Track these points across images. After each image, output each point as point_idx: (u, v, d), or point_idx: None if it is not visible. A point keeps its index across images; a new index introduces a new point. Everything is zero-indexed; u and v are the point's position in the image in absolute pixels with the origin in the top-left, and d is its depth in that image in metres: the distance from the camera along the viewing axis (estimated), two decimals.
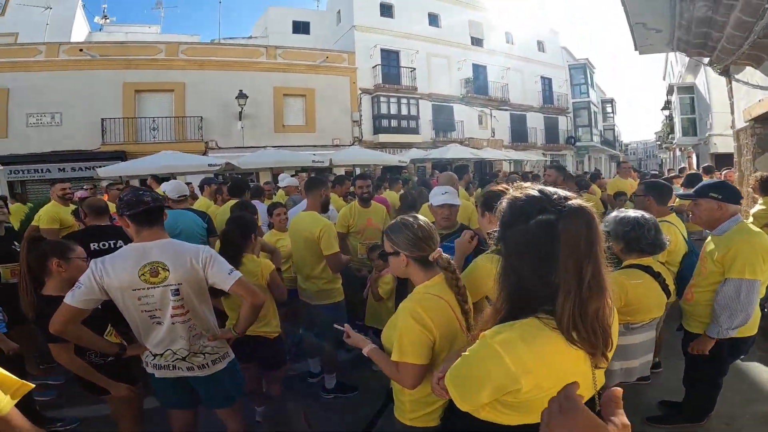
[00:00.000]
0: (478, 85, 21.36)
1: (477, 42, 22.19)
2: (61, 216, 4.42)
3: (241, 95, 14.37)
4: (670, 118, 27.96)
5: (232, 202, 4.39)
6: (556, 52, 26.34)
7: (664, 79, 31.79)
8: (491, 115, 22.18)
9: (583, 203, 0.98)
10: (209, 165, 9.95)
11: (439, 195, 2.73)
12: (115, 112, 14.02)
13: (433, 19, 20.52)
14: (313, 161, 11.28)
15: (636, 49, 6.75)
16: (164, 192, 4.15)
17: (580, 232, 0.93)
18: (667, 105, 27.39)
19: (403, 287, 4.27)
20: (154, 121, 14.32)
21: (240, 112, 14.85)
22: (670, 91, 27.43)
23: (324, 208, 3.49)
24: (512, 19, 23.78)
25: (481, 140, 20.68)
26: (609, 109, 35.63)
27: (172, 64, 14.76)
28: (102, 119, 13.73)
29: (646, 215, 2.26)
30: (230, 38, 20.10)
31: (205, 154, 14.15)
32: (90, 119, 13.67)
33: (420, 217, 1.75)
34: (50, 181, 12.86)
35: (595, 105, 28.65)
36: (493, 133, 22.06)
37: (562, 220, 0.95)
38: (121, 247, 2.45)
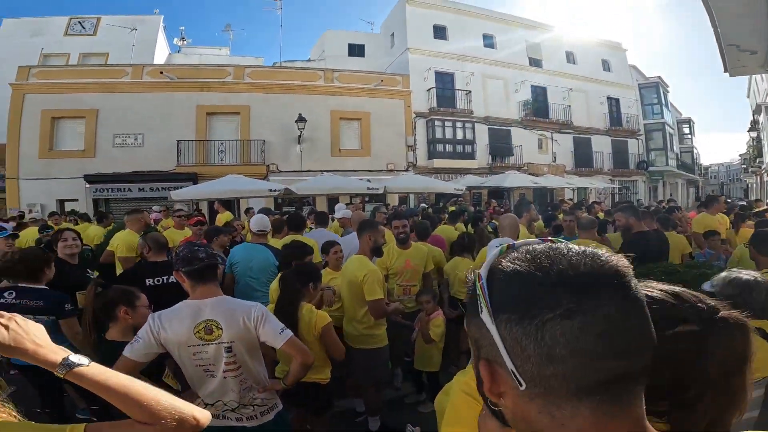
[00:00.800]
0: (537, 108, 20.70)
1: (535, 63, 21.62)
2: (137, 244, 4.68)
3: (300, 119, 14.81)
4: (757, 140, 25.41)
5: (291, 237, 4.45)
6: (623, 71, 24.92)
7: (748, 97, 29.11)
8: (552, 138, 21.35)
9: (737, 316, 0.84)
10: (269, 190, 10.31)
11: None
12: (188, 134, 15.00)
13: (489, 40, 20.34)
14: (368, 188, 11.36)
15: (726, 71, 6.42)
16: (245, 222, 4.41)
17: (735, 348, 0.80)
18: (754, 125, 24.91)
19: (455, 329, 4.11)
20: (222, 143, 15.16)
21: (299, 136, 15.31)
22: (757, 111, 24.99)
23: (375, 253, 3.46)
24: (573, 38, 22.98)
25: (540, 165, 19.91)
26: (686, 130, 33.07)
27: (238, 87, 15.55)
28: (177, 141, 14.74)
29: (759, 278, 1.98)
30: (290, 61, 20.96)
31: (266, 177, 14.75)
32: (167, 141, 14.67)
33: None
34: (130, 201, 14.23)
35: (670, 126, 26.62)
36: (555, 157, 21.16)
37: (712, 336, 0.81)
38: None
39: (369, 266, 3.24)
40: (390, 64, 19.41)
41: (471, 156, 18.33)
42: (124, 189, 14.63)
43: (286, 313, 2.49)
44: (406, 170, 16.91)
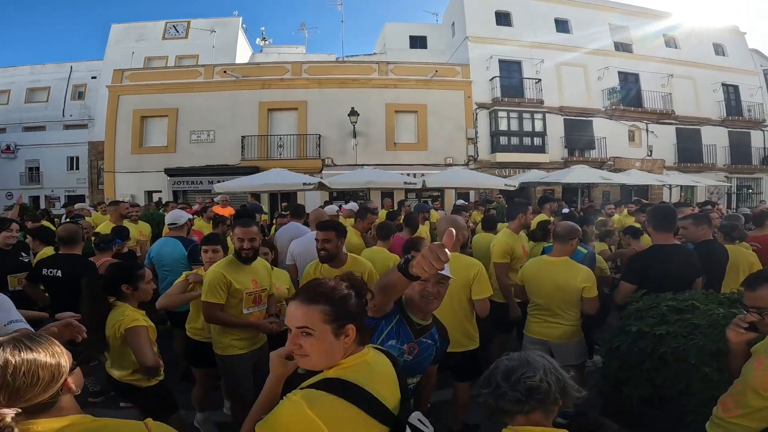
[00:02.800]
0: (627, 96, 18.08)
1: (623, 47, 18.99)
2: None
3: (353, 112, 14.76)
4: None
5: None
6: (742, 56, 20.77)
7: None
8: (647, 130, 18.49)
9: None
10: (303, 183, 10.29)
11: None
12: (252, 130, 15.86)
13: (562, 25, 18.36)
14: (405, 183, 10.79)
15: None
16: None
17: None
18: None
19: None
20: (280, 138, 15.78)
21: (353, 130, 15.25)
22: None
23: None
24: (672, 21, 19.75)
25: (631, 160, 17.41)
26: None
27: (296, 84, 16.06)
28: (242, 137, 15.67)
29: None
30: (352, 56, 21.03)
31: (320, 171, 14.99)
32: (234, 136, 15.70)
33: None
34: (201, 192, 15.39)
35: None
36: (650, 151, 18.33)
37: None
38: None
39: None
40: (452, 54, 18.52)
41: (541, 149, 16.64)
42: (197, 181, 15.90)
43: (90, 327, 2.06)
44: (466, 164, 15.89)
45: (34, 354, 1.00)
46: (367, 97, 15.73)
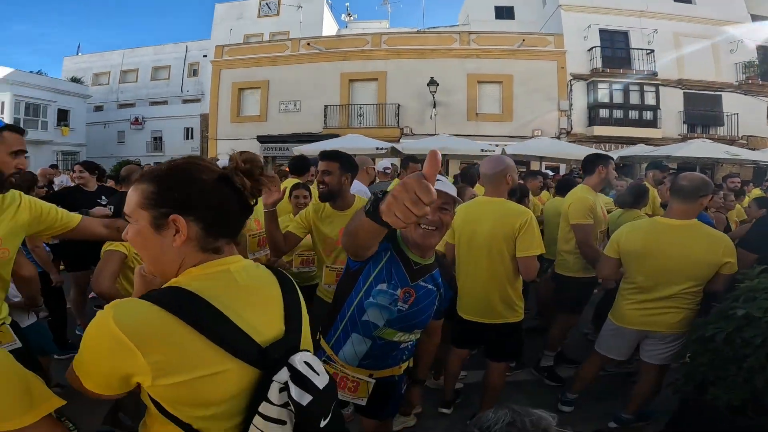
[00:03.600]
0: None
1: (762, 18, 15.61)
2: None
3: (432, 82, 14.35)
4: None
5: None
6: None
7: None
8: None
9: None
10: (376, 148, 10.32)
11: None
12: (334, 100, 16.28)
13: None
14: (482, 150, 10.11)
15: None
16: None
17: None
18: None
19: None
20: (360, 108, 15.95)
21: (433, 100, 14.78)
22: None
23: None
24: None
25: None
26: None
27: (375, 54, 16.06)
28: (324, 106, 16.16)
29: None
30: (433, 28, 20.33)
31: (399, 140, 14.81)
32: (318, 106, 16.27)
33: None
34: (287, 158, 16.25)
35: None
36: None
37: None
38: None
39: None
40: (543, 24, 16.96)
41: (652, 124, 14.54)
42: (284, 148, 16.77)
43: None
44: (557, 137, 14.42)
45: None
46: (448, 67, 15.19)
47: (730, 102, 15.02)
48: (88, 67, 26.67)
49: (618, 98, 14.74)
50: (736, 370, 1.85)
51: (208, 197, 0.87)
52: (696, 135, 14.35)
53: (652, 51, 14.92)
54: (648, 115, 14.69)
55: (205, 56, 22.65)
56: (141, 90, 25.81)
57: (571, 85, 15.04)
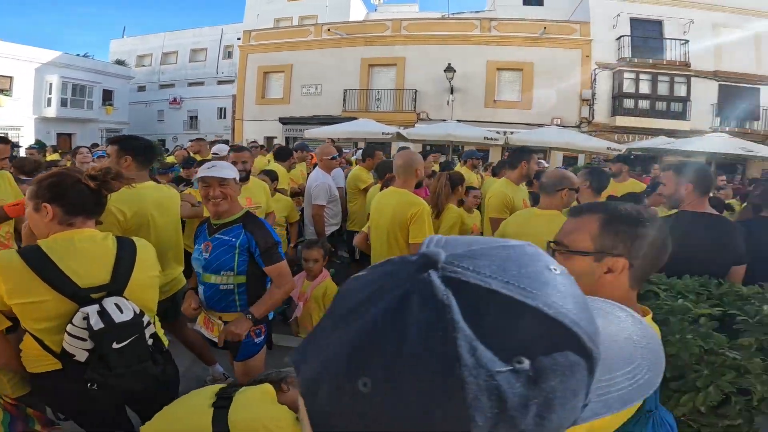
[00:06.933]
0: None
1: None
2: None
3: (449, 68, 14.25)
4: None
5: None
6: None
7: None
8: None
9: None
10: (383, 133, 10.50)
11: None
12: (353, 84, 16.55)
13: None
14: (486, 138, 10.09)
15: None
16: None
17: None
18: None
19: None
20: (378, 92, 16.16)
21: (450, 86, 14.72)
22: None
23: None
24: None
25: None
26: None
27: (395, 40, 16.15)
28: (344, 90, 16.45)
29: None
30: (458, 13, 20.03)
31: (414, 124, 14.88)
32: (338, 90, 16.60)
33: None
34: (308, 140, 16.74)
35: None
36: None
37: None
38: None
39: None
40: (572, 12, 16.33)
41: (680, 116, 13.90)
42: (304, 129, 17.27)
43: None
44: (578, 127, 14.06)
45: None
46: (467, 53, 15.08)
47: None
48: (132, 50, 28.26)
49: (644, 88, 14.17)
50: None
51: (67, 192, 1.45)
52: (728, 129, 13.51)
53: (687, 41, 14.14)
54: (677, 106, 14.05)
55: (238, 39, 23.40)
56: (180, 71, 27.09)
57: (596, 74, 14.55)
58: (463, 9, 26.73)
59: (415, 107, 15.62)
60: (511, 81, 15.19)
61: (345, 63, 16.54)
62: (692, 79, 14.12)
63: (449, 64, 14.29)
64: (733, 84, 14.26)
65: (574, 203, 3.33)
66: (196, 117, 26.01)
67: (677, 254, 1.75)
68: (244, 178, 3.08)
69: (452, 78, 14.41)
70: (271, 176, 3.91)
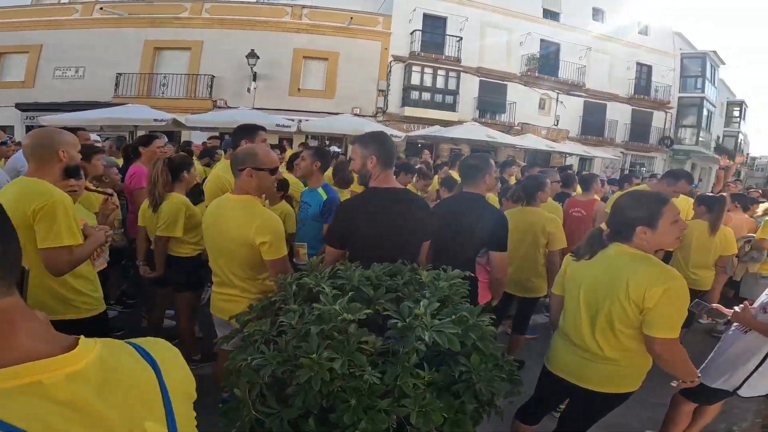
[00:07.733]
0: (544, 64, 18.05)
1: (551, 15, 18.77)
2: None
3: (252, 54, 13.58)
4: None
5: None
6: (663, 37, 21.21)
7: None
8: (558, 100, 18.71)
9: None
10: (154, 120, 9.33)
11: None
12: (132, 68, 14.20)
13: None
14: (277, 125, 9.82)
15: None
16: None
17: None
18: None
19: None
20: (164, 77, 14.27)
21: (253, 73, 13.94)
22: None
23: None
24: None
25: (538, 128, 17.49)
26: (736, 113, 28.93)
27: (193, 23, 14.64)
28: (117, 74, 14.00)
29: None
30: None
31: (209, 112, 13.53)
32: (108, 74, 14.02)
33: None
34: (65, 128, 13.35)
35: (711, 103, 22.66)
36: (557, 121, 18.58)
37: None
38: None
39: None
40: (382, 3, 17.48)
41: (452, 107, 16.21)
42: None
43: None
44: (374, 116, 15.10)
45: None
46: (275, 40, 14.61)
47: (513, 91, 17.73)
48: None
49: (428, 82, 16.00)
50: None
51: None
52: (485, 120, 16.61)
53: (461, 39, 16.44)
54: (449, 99, 16.33)
55: None
56: None
57: (391, 67, 15.79)
58: None
59: (210, 94, 14.22)
60: (316, 70, 15.25)
61: (121, 45, 14.15)
62: (461, 74, 16.55)
63: (252, 50, 13.51)
64: (489, 80, 17.29)
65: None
66: None
67: (369, 236, 1.80)
68: None
69: (255, 65, 13.66)
70: None
